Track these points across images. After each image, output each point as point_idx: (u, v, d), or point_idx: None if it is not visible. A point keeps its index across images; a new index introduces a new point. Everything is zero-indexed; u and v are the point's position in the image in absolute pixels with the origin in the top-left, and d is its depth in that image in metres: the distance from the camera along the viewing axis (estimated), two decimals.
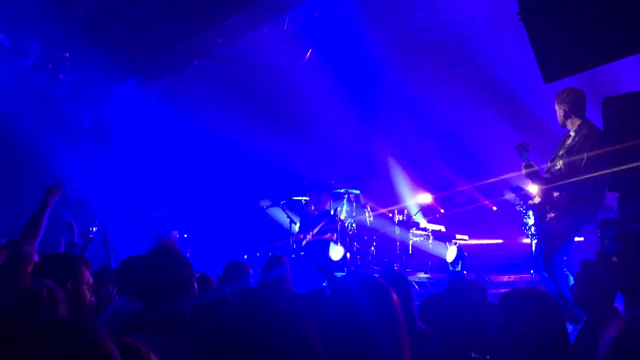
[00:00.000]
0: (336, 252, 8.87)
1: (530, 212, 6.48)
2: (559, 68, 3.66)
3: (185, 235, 9.38)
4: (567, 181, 5.38)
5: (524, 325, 2.32)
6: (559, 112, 5.58)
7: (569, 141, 5.54)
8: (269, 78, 10.88)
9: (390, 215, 9.94)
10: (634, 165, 3.30)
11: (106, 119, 9.48)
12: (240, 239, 9.94)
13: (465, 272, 8.74)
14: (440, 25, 9.22)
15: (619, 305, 3.55)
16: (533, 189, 5.78)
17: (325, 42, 9.69)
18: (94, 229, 5.83)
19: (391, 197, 11.05)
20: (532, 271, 6.61)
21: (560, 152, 5.59)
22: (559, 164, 5.50)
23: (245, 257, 9.23)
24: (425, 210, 10.41)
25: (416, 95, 10.60)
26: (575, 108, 5.50)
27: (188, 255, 8.73)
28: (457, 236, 9.45)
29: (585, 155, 5.27)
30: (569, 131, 5.62)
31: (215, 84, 10.81)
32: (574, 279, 3.76)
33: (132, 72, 9.02)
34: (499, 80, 9.26)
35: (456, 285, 2.96)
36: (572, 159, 5.37)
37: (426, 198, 10.20)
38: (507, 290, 2.54)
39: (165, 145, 9.66)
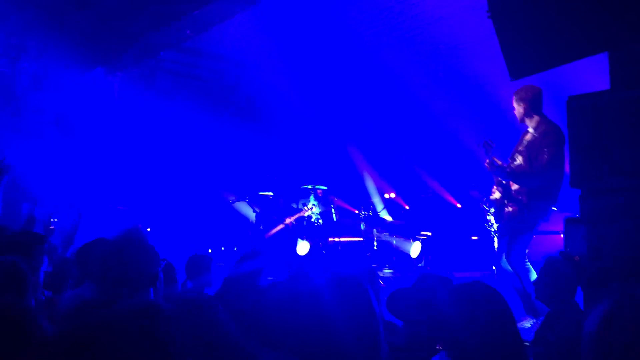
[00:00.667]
0: (302, 247, 8.84)
1: (493, 209, 6.55)
2: (526, 65, 3.70)
3: (149, 229, 9.21)
4: (526, 176, 5.48)
5: (470, 317, 2.35)
6: (518, 109, 5.68)
7: (528, 137, 5.64)
8: (237, 71, 10.77)
9: (357, 211, 9.96)
10: (596, 163, 3.34)
11: (71, 109, 9.23)
12: (205, 233, 9.82)
13: (429, 268, 8.81)
14: (411, 24, 9.26)
15: (579, 299, 3.61)
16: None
17: (295, 36, 9.63)
18: (55, 219, 5.68)
19: (358, 193, 11.07)
20: (494, 267, 6.69)
21: (520, 148, 5.68)
22: (519, 159, 5.60)
23: (210, 251, 9.12)
24: (391, 207, 10.46)
25: (386, 92, 10.63)
26: (534, 105, 5.62)
27: None
28: (422, 232, 9.52)
29: (545, 150, 5.37)
30: (528, 127, 5.72)
31: (182, 76, 10.64)
32: (537, 274, 3.81)
33: (98, 62, 8.80)
34: (467, 78, 9.36)
35: (425, 280, 2.97)
36: (532, 154, 5.46)
37: (391, 194, 10.26)
38: (456, 285, 2.58)
39: (130, 137, 9.45)
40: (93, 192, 8.78)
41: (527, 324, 5.14)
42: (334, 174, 11.14)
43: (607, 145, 3.30)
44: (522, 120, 5.68)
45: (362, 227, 9.57)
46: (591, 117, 3.42)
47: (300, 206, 9.69)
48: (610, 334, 1.55)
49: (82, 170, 8.91)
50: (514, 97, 5.70)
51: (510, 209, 5.62)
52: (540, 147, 5.43)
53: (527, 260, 5.55)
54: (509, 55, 3.57)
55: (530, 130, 5.66)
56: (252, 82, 10.78)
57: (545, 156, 5.36)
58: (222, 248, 9.75)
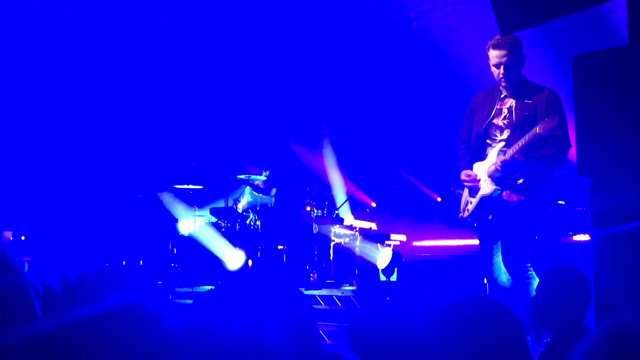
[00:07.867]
0: (234, 257, 8.72)
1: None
2: (517, 19, 3.81)
3: (23, 238, 8.95)
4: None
5: (473, 346, 2.27)
6: (507, 60, 5.50)
7: (511, 104, 5.61)
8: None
9: (308, 209, 9.88)
10: (612, 143, 3.34)
11: None
12: (106, 242, 9.59)
13: (403, 284, 8.83)
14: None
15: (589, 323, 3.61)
16: (480, 171, 5.74)
17: None
18: None
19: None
20: (485, 280, 6.71)
21: (499, 122, 5.62)
22: (504, 135, 5.54)
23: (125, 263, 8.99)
24: (353, 203, 10.44)
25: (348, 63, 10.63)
26: (523, 60, 5.61)
27: (26, 265, 8.26)
28: (392, 236, 9.51)
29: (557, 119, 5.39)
30: (500, 91, 5.69)
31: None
32: (536, 291, 3.79)
33: None
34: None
35: (403, 302, 2.91)
36: (532, 126, 5.42)
37: (352, 188, 10.26)
38: (448, 301, 2.48)
39: None
40: None
41: None
42: (277, 161, 11.05)
43: (628, 119, 3.30)
44: (506, 80, 5.60)
45: (315, 230, 9.51)
46: (606, 82, 3.42)
47: (230, 203, 9.56)
48: None
49: None
50: (503, 46, 5.55)
51: (511, 201, 5.62)
52: (545, 117, 5.42)
53: (529, 266, 5.56)
54: (499, 8, 3.67)
55: (506, 93, 5.64)
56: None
57: (559, 131, 5.37)
58: (141, 262, 9.56)
